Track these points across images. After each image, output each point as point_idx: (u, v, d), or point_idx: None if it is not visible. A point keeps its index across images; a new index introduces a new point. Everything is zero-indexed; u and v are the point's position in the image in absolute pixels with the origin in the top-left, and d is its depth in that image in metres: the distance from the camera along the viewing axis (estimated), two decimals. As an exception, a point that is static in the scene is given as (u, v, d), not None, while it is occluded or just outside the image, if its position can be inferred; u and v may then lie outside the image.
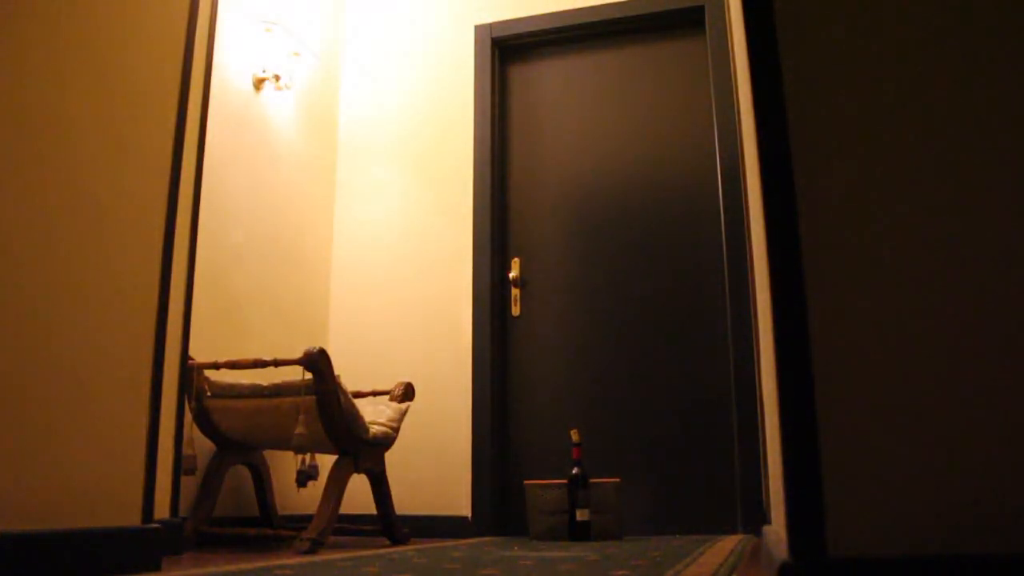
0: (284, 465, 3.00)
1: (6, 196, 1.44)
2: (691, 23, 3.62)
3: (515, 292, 3.68)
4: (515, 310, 3.67)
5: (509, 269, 3.72)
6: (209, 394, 2.54)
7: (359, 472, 2.62)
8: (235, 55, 3.14)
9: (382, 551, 2.34)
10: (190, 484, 2.51)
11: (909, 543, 1.03)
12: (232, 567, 1.75)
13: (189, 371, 2.40)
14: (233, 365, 2.50)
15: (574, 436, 3.02)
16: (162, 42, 1.88)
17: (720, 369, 3.32)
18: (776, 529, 1.67)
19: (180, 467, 2.28)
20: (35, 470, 1.46)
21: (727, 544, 2.47)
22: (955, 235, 1.10)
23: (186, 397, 2.37)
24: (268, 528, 2.76)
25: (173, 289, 1.87)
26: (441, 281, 3.62)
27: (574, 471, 2.90)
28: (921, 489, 1.04)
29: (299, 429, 2.39)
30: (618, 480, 3.12)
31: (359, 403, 2.68)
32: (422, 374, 3.34)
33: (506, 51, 3.89)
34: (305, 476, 2.47)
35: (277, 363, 2.45)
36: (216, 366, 2.50)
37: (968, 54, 1.15)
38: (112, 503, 1.62)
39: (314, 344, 2.41)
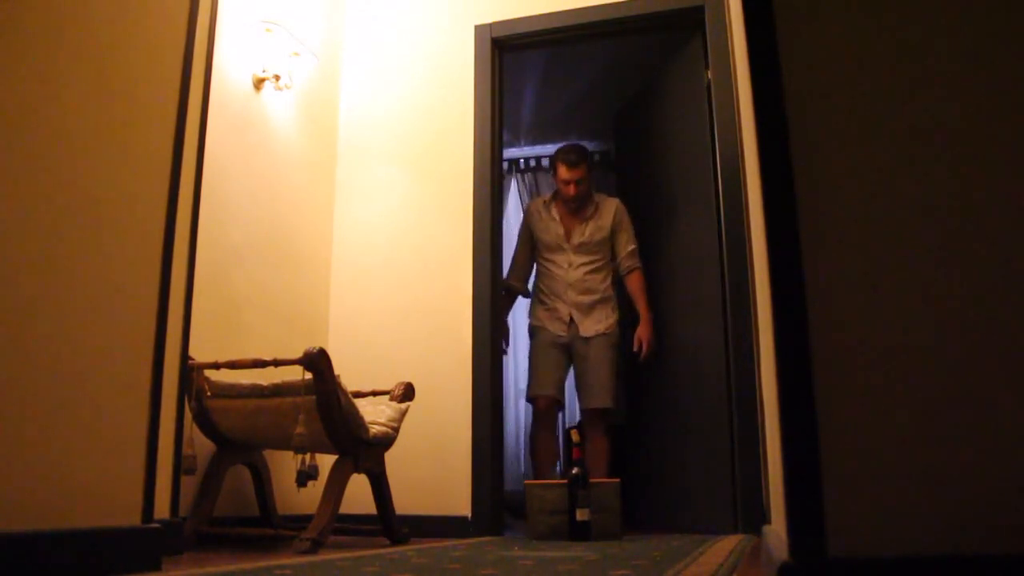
0: (284, 465, 3.00)
1: (5, 196, 1.44)
2: (691, 23, 3.62)
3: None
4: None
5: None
6: (209, 394, 2.54)
7: (359, 472, 2.62)
8: (235, 55, 3.14)
9: (382, 551, 2.34)
10: (190, 484, 2.50)
11: (909, 543, 1.03)
12: (232, 567, 1.75)
13: (189, 371, 2.40)
14: (233, 365, 2.50)
15: (574, 436, 3.02)
16: (162, 42, 1.88)
17: (720, 369, 3.32)
18: (776, 529, 1.67)
19: (180, 467, 2.28)
20: (35, 470, 1.46)
21: (727, 544, 2.47)
22: (955, 235, 1.10)
23: (186, 397, 2.37)
24: (268, 528, 2.76)
25: (173, 289, 1.86)
26: (441, 281, 3.62)
27: (574, 471, 2.90)
28: (921, 489, 1.04)
29: (299, 429, 2.39)
30: (618, 480, 3.12)
31: (359, 403, 2.67)
32: (422, 374, 3.33)
33: (506, 51, 3.88)
34: (305, 476, 2.47)
35: (277, 363, 2.45)
36: (216, 366, 2.50)
37: (968, 53, 1.15)
38: (112, 503, 1.62)
39: (314, 344, 2.41)
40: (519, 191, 6.02)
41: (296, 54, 3.42)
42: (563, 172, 3.75)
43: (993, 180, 1.11)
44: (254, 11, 3.23)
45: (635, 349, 3.69)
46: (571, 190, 3.73)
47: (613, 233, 3.80)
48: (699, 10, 3.52)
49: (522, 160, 6.08)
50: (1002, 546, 1.01)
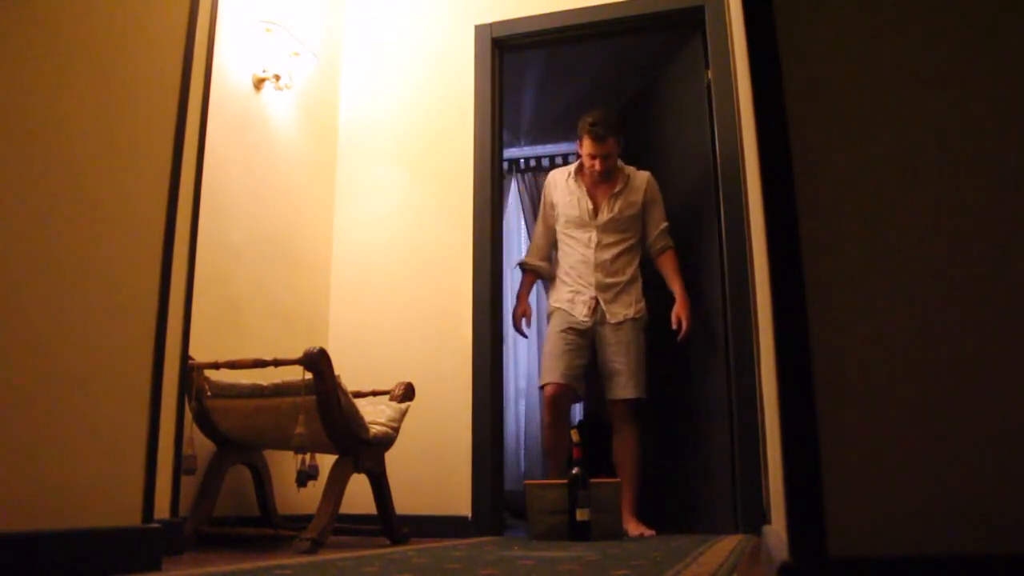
0: (284, 465, 3.00)
1: (5, 196, 1.44)
2: (691, 23, 3.62)
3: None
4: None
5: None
6: (209, 394, 2.54)
7: (359, 472, 2.62)
8: (235, 55, 3.14)
9: (382, 551, 2.34)
10: (190, 484, 2.50)
11: (909, 543, 1.03)
12: (232, 567, 1.75)
13: (189, 371, 2.40)
14: (233, 365, 2.50)
15: (574, 436, 3.02)
16: (162, 42, 1.88)
17: (720, 370, 3.32)
18: (776, 529, 1.67)
19: (180, 467, 2.28)
20: (35, 470, 1.46)
21: (727, 544, 2.47)
22: (955, 235, 1.10)
23: (186, 397, 2.37)
24: (268, 528, 2.76)
25: (173, 289, 1.86)
26: (441, 281, 3.62)
27: (574, 471, 2.90)
28: (921, 489, 1.04)
29: (299, 429, 2.39)
30: (618, 480, 3.12)
31: (359, 403, 2.68)
32: (422, 374, 3.33)
33: (506, 51, 3.88)
34: (305, 476, 2.47)
35: (277, 363, 2.45)
36: (216, 366, 2.50)
37: (968, 53, 1.15)
38: (112, 503, 1.62)
39: (314, 344, 2.41)
40: (519, 191, 6.03)
41: (296, 54, 3.42)
42: (588, 146, 3.42)
43: (994, 179, 1.11)
44: (254, 11, 3.23)
45: (674, 327, 3.40)
46: (597, 166, 3.43)
47: (644, 209, 3.52)
48: (699, 10, 3.53)
49: (522, 160, 6.08)
50: (1002, 546, 1.01)
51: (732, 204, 3.27)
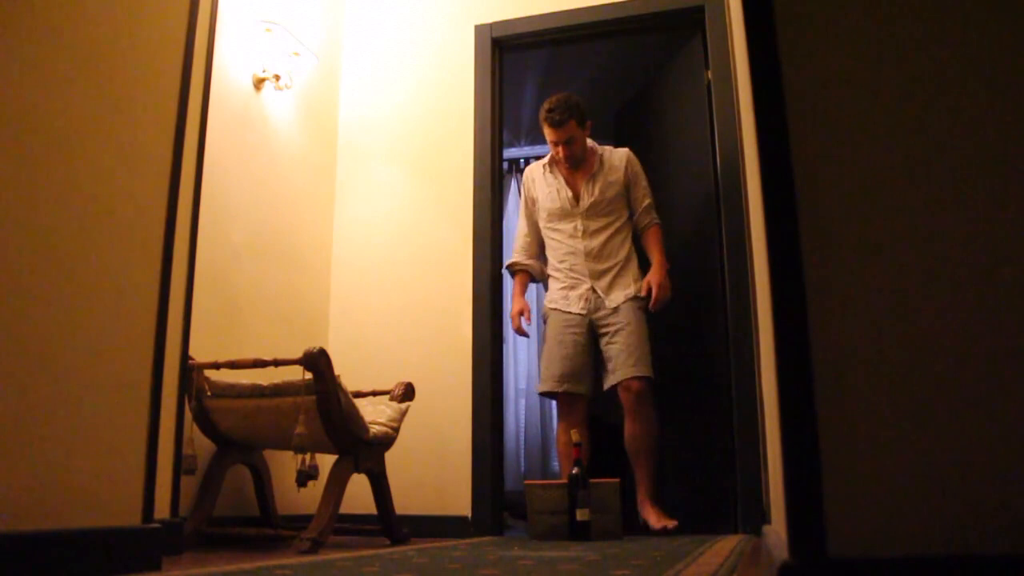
0: (284, 465, 3.00)
1: (5, 197, 1.44)
2: (691, 23, 3.62)
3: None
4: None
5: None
6: (209, 394, 2.54)
7: (359, 472, 2.62)
8: (235, 55, 3.14)
9: (382, 551, 2.34)
10: (190, 484, 2.50)
11: (909, 543, 1.03)
12: (232, 567, 1.75)
13: (189, 371, 2.40)
14: (233, 365, 2.50)
15: (574, 436, 3.02)
16: (162, 42, 1.88)
17: (720, 369, 3.32)
18: (776, 529, 1.67)
19: (180, 467, 2.28)
20: (35, 470, 1.46)
21: (727, 544, 2.47)
22: (956, 234, 1.10)
23: (186, 397, 2.37)
24: (268, 528, 2.76)
25: (173, 289, 1.86)
26: (441, 281, 3.62)
27: (574, 471, 2.90)
28: (921, 489, 1.04)
29: (299, 429, 2.39)
30: (618, 480, 3.12)
31: (359, 403, 2.68)
32: (422, 374, 3.33)
33: (506, 51, 3.88)
34: (305, 476, 2.47)
35: (277, 363, 2.45)
36: (216, 366, 2.50)
37: (968, 53, 1.15)
38: (112, 503, 1.62)
39: (314, 344, 2.41)
40: (519, 191, 6.02)
41: (296, 54, 3.42)
42: (548, 133, 3.39)
43: (994, 179, 1.11)
44: (254, 11, 3.23)
45: (643, 294, 3.30)
46: (561, 152, 3.38)
47: (627, 188, 3.42)
48: (699, 10, 3.53)
49: (522, 160, 6.07)
50: (1002, 546, 1.01)
51: (732, 204, 3.27)
